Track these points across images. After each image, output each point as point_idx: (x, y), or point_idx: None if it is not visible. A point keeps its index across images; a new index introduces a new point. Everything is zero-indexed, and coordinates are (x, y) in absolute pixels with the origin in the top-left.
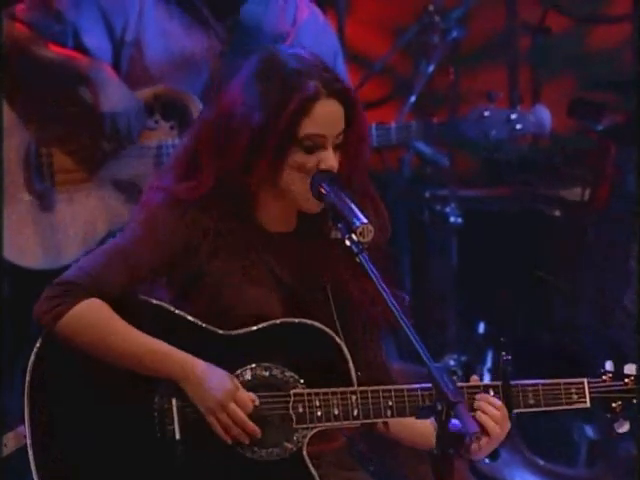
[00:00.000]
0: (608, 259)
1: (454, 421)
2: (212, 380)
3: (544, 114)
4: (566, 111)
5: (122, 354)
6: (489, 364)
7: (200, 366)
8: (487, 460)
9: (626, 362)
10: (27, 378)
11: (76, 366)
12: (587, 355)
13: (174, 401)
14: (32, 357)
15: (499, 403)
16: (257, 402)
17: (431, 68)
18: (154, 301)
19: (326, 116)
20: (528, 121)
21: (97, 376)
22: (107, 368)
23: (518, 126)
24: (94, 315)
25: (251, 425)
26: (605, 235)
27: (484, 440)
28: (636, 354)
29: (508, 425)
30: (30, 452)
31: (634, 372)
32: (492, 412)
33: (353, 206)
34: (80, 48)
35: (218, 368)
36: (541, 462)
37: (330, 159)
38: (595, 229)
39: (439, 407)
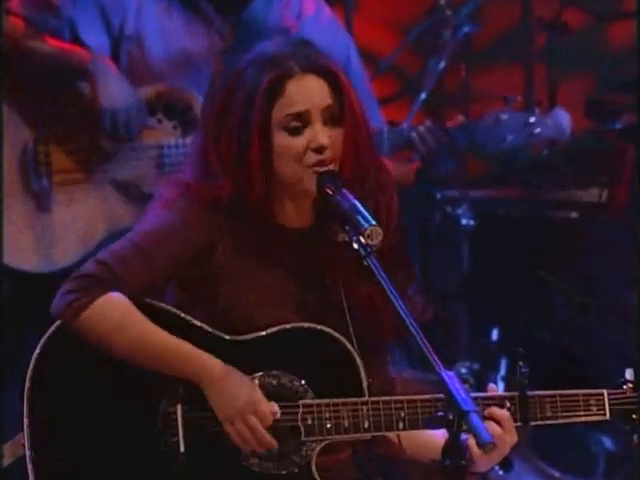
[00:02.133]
0: (613, 259)
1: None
2: (234, 387)
3: (563, 118)
4: (583, 111)
5: (143, 351)
6: (503, 372)
7: (220, 370)
8: (500, 472)
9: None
10: (27, 384)
11: (78, 370)
12: (589, 356)
13: (179, 411)
14: (32, 362)
15: (501, 414)
16: (278, 414)
17: (442, 65)
18: (160, 304)
19: (303, 92)
20: (546, 125)
21: (99, 382)
22: (110, 373)
23: (536, 130)
24: (115, 310)
25: (269, 439)
26: (611, 234)
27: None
28: (636, 355)
29: (513, 438)
30: (28, 459)
31: None
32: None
33: (360, 207)
34: (77, 44)
35: (239, 372)
36: (557, 473)
37: (319, 136)
38: (603, 229)
39: (451, 416)
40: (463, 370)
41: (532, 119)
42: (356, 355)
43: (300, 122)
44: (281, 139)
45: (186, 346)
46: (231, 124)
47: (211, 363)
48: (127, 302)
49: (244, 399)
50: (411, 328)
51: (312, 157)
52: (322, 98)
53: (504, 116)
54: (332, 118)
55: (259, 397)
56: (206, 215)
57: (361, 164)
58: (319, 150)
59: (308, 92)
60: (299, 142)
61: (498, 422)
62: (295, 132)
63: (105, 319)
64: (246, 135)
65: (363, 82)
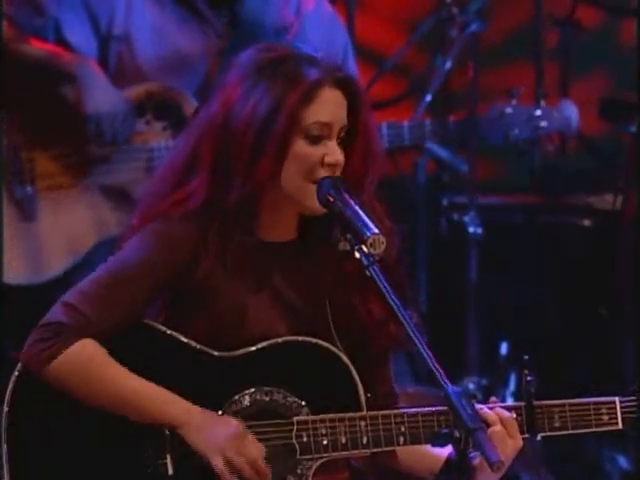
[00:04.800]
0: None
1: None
2: (215, 422)
3: (570, 109)
4: (597, 112)
5: (117, 401)
6: (512, 387)
7: (199, 411)
8: None
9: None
10: (5, 408)
11: (58, 400)
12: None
13: (167, 433)
14: (11, 384)
15: (505, 415)
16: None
17: (448, 64)
18: (144, 321)
19: (332, 104)
20: (553, 118)
21: (82, 405)
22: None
23: (542, 124)
24: (87, 360)
25: (263, 467)
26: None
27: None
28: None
29: (517, 442)
30: None
31: None
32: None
33: (363, 215)
34: (63, 43)
35: (216, 414)
36: None
37: (336, 152)
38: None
39: (457, 434)
40: (471, 385)
41: (537, 112)
42: (352, 369)
43: (322, 133)
44: (300, 146)
45: (161, 394)
46: (246, 123)
47: (187, 407)
48: (100, 351)
49: (230, 430)
50: (415, 340)
51: (323, 173)
52: (342, 117)
53: (508, 110)
54: (342, 140)
55: (244, 427)
56: (189, 226)
57: (362, 184)
58: (333, 166)
59: (335, 106)
60: (316, 152)
61: (502, 423)
62: (314, 141)
63: (74, 370)
64: (263, 138)
65: None
